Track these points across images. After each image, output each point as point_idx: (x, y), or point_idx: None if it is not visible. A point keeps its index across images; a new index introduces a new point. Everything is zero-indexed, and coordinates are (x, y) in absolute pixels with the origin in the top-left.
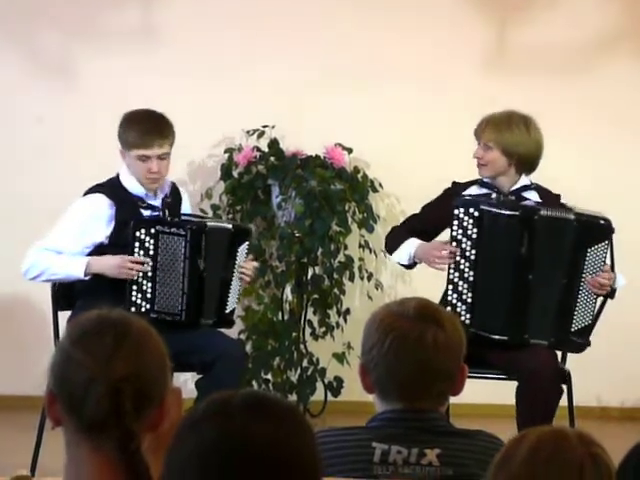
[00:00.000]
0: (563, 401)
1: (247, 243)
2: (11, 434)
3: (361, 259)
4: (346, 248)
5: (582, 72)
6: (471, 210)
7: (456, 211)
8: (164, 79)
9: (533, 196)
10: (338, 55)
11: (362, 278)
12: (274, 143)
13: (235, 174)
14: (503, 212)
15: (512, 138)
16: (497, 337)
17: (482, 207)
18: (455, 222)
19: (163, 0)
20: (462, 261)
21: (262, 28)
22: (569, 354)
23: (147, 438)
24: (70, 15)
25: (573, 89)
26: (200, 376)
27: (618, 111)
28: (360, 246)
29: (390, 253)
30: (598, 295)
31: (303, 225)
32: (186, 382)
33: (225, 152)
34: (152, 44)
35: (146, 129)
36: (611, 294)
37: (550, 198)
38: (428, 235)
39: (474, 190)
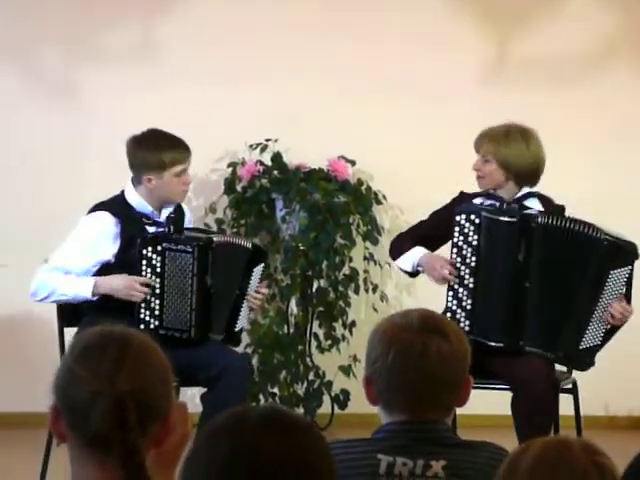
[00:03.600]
0: (570, 410)
1: (263, 265)
2: (19, 451)
3: (366, 271)
4: (351, 260)
5: (581, 83)
6: (472, 217)
7: (457, 217)
8: (166, 95)
9: (535, 204)
10: (341, 68)
11: (367, 290)
12: (277, 157)
13: (239, 188)
14: (501, 218)
15: (509, 152)
16: (494, 344)
17: (482, 214)
18: (456, 228)
19: (163, 16)
20: (462, 267)
21: (264, 42)
22: None
23: (152, 454)
24: (71, 32)
25: (573, 100)
26: (205, 390)
27: (617, 120)
28: (365, 258)
29: (394, 259)
30: (610, 324)
31: (307, 238)
32: (193, 397)
33: (228, 166)
34: (153, 60)
35: (176, 143)
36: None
37: (553, 208)
38: (435, 242)
39: (479, 200)
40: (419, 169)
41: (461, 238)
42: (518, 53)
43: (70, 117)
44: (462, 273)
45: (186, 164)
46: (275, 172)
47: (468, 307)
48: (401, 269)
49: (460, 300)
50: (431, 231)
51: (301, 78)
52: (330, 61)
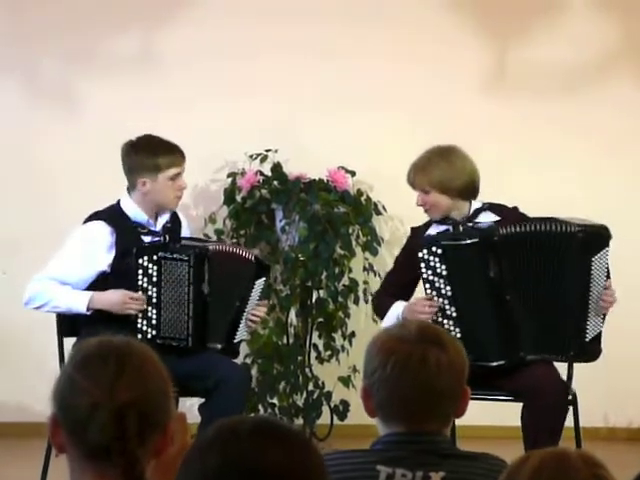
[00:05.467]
0: (569, 422)
1: (264, 279)
2: (18, 462)
3: (365, 282)
4: (350, 271)
5: (582, 94)
6: (434, 249)
7: (420, 254)
8: (166, 105)
9: (489, 217)
10: (340, 79)
11: (367, 301)
12: (277, 167)
13: (238, 198)
14: (462, 242)
15: (441, 175)
16: (495, 364)
17: (443, 243)
18: (422, 264)
19: (164, 27)
20: (440, 300)
21: (264, 53)
22: (574, 374)
23: (152, 464)
24: (71, 42)
25: (573, 111)
26: (203, 401)
27: (617, 132)
28: (364, 269)
29: (382, 319)
30: (604, 313)
31: (307, 249)
32: (192, 407)
33: (228, 176)
34: (153, 70)
35: (172, 148)
36: None
37: (508, 213)
38: (410, 285)
39: (433, 229)
40: None
41: (429, 272)
42: (519, 63)
43: (70, 127)
44: (442, 305)
45: (180, 168)
46: (275, 182)
47: (458, 335)
48: None
49: (448, 331)
50: (402, 277)
51: (301, 88)
52: (330, 71)
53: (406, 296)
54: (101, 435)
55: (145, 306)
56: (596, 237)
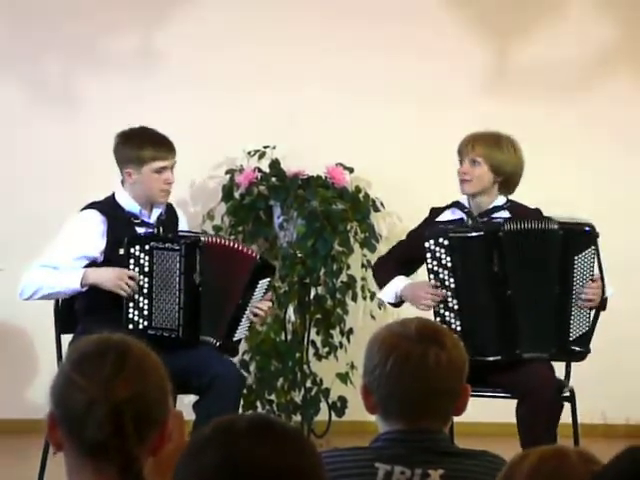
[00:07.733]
0: (567, 419)
1: (269, 280)
2: (15, 459)
3: (364, 279)
4: (348, 268)
5: (582, 91)
6: (440, 240)
7: (427, 244)
8: (164, 101)
9: (504, 215)
10: (338, 75)
11: (365, 298)
12: (275, 163)
13: (236, 195)
14: (469, 235)
15: (501, 156)
16: (492, 359)
17: (450, 235)
18: (428, 255)
19: (162, 24)
20: (443, 291)
21: (261, 48)
22: (572, 371)
23: (149, 462)
24: (70, 40)
25: (573, 108)
26: (197, 398)
27: (617, 128)
28: (362, 266)
29: (379, 287)
30: (589, 308)
31: (305, 245)
32: (189, 404)
33: (226, 173)
34: (152, 67)
35: (159, 142)
36: (602, 305)
37: (526, 214)
38: (414, 262)
39: (448, 215)
40: (417, 176)
41: (435, 263)
42: (517, 63)
43: (70, 125)
44: (445, 297)
45: (166, 162)
46: (273, 179)
47: (458, 329)
48: (386, 302)
49: (449, 324)
50: (410, 252)
51: (299, 85)
52: (329, 68)
53: (407, 272)
54: (98, 432)
55: (137, 287)
56: (578, 235)
